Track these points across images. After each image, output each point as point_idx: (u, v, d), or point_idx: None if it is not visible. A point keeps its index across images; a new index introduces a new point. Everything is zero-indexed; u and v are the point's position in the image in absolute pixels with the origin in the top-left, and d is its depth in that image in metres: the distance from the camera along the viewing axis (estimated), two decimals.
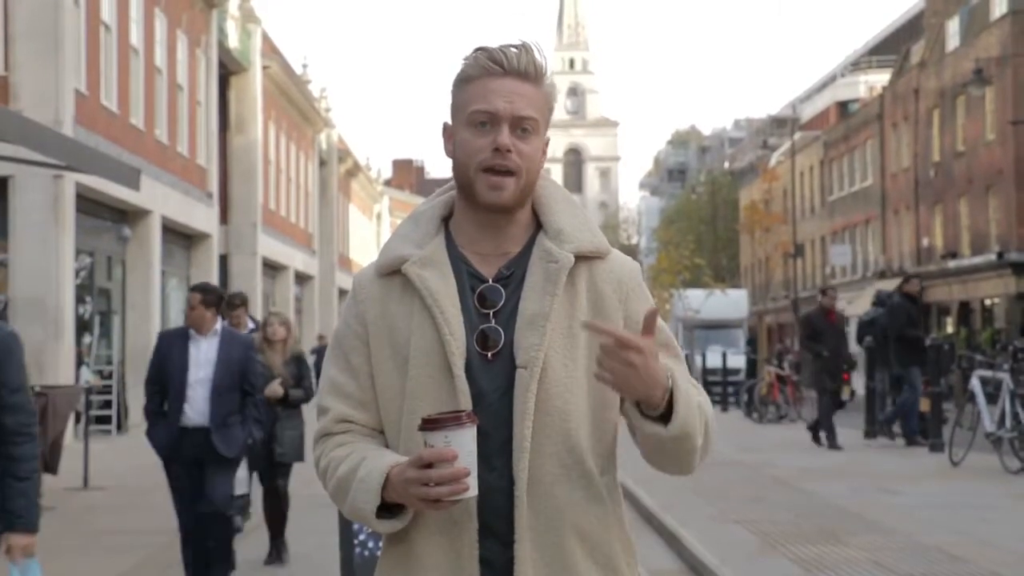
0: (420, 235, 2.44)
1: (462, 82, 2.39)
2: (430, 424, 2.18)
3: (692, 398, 2.30)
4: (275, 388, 9.06)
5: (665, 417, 2.25)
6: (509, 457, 2.29)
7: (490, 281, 2.38)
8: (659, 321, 2.43)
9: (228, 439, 7.70)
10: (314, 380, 8.81)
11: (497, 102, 2.32)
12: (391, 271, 2.41)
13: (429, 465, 2.16)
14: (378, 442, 2.40)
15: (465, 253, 2.41)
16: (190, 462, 7.68)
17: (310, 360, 17.50)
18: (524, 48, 2.36)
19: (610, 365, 2.18)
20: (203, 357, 7.73)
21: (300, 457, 9.33)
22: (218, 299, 7.91)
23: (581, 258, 2.39)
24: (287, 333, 9.42)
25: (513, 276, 2.38)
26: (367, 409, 2.41)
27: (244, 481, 9.92)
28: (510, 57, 2.34)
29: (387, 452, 2.33)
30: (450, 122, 2.43)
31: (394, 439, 2.37)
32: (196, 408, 7.68)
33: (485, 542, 2.29)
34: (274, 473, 9.35)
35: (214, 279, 29.78)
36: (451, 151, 2.41)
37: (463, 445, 2.16)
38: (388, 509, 2.28)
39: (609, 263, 2.43)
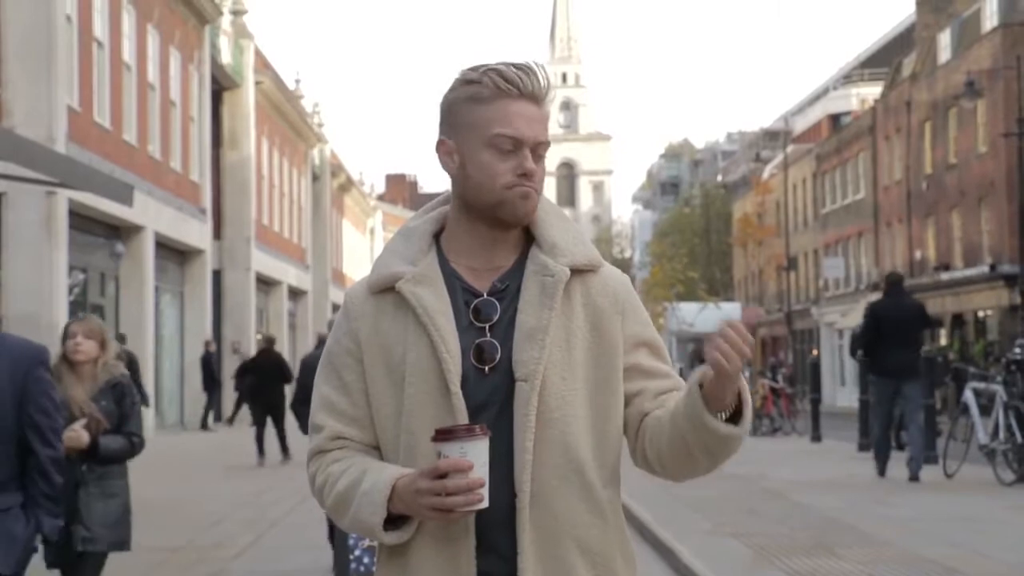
0: (412, 251, 2.43)
1: (473, 101, 2.36)
2: (445, 435, 2.18)
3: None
4: (77, 434, 5.58)
5: (734, 419, 2.34)
6: (506, 470, 2.28)
7: (484, 295, 2.38)
8: (655, 335, 2.48)
9: (5, 538, 4.26)
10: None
11: (522, 128, 2.34)
12: (384, 288, 2.41)
13: (443, 475, 2.17)
14: (374, 458, 2.40)
15: (457, 268, 2.41)
16: None
17: None
18: (534, 69, 2.38)
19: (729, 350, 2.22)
20: None
21: (121, 542, 5.89)
22: None
23: (575, 272, 2.40)
24: (100, 350, 5.86)
25: (508, 290, 2.39)
26: (361, 426, 2.40)
27: None
28: (523, 80, 2.36)
29: (388, 464, 2.33)
30: (450, 137, 2.40)
31: (392, 457, 2.36)
32: None
33: (485, 556, 2.29)
34: (76, 569, 5.85)
35: (207, 295, 29.74)
36: (455, 168, 2.39)
37: (477, 456, 2.18)
38: (391, 521, 2.29)
39: (603, 277, 2.44)
